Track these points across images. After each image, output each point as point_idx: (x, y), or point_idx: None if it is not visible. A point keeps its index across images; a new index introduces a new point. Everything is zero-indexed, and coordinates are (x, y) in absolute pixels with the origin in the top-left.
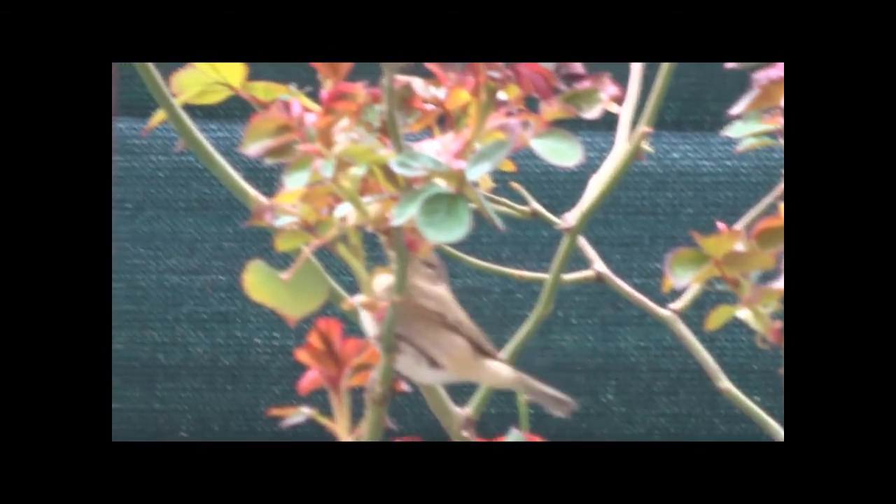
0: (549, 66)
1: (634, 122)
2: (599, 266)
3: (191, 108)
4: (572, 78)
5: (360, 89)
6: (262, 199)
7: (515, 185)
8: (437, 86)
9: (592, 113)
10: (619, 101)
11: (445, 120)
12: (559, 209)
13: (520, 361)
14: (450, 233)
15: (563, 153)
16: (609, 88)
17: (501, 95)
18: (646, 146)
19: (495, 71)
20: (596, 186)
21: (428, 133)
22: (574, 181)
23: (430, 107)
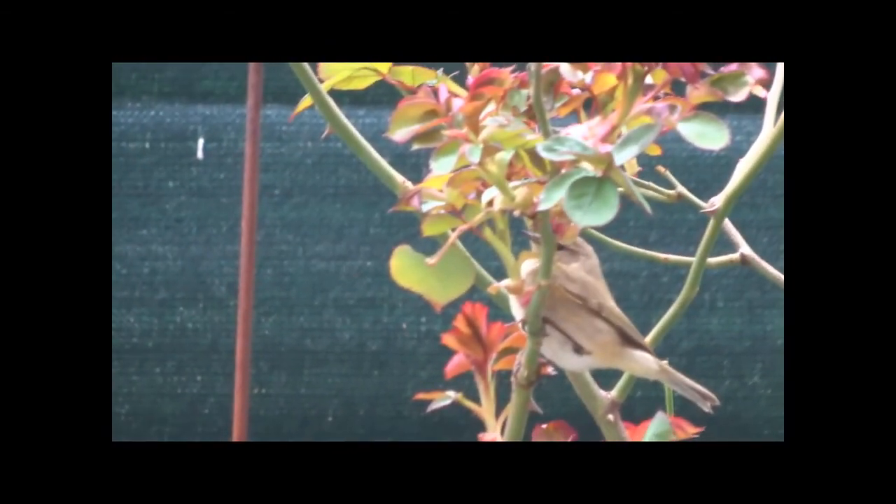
0: None
1: (781, 105)
2: (745, 249)
3: (338, 95)
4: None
5: (506, 74)
6: (409, 184)
7: (661, 169)
8: (584, 70)
9: (739, 96)
10: (765, 84)
11: (592, 104)
12: (705, 193)
13: (666, 344)
14: (598, 216)
15: (709, 136)
16: (755, 72)
17: (648, 80)
18: None
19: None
20: (742, 169)
21: (574, 118)
22: (721, 165)
23: (576, 91)
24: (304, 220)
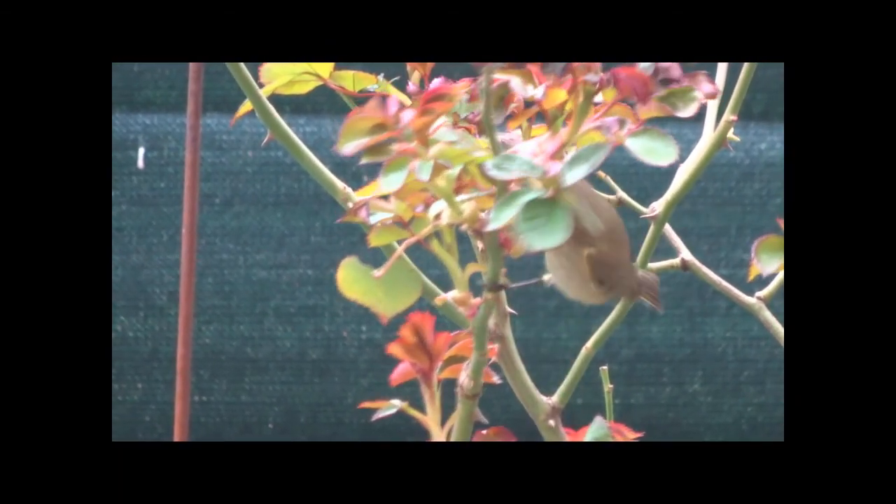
0: (646, 70)
1: (721, 113)
2: (686, 255)
3: (279, 103)
4: (669, 80)
5: (457, 89)
6: (350, 192)
7: (602, 175)
8: (535, 85)
9: (688, 112)
10: (714, 98)
11: (540, 118)
12: (647, 200)
13: (607, 352)
14: (551, 238)
15: (658, 152)
16: (705, 86)
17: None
18: (732, 135)
19: (593, 74)
20: (682, 175)
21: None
22: (662, 173)
23: (524, 103)
24: (244, 229)
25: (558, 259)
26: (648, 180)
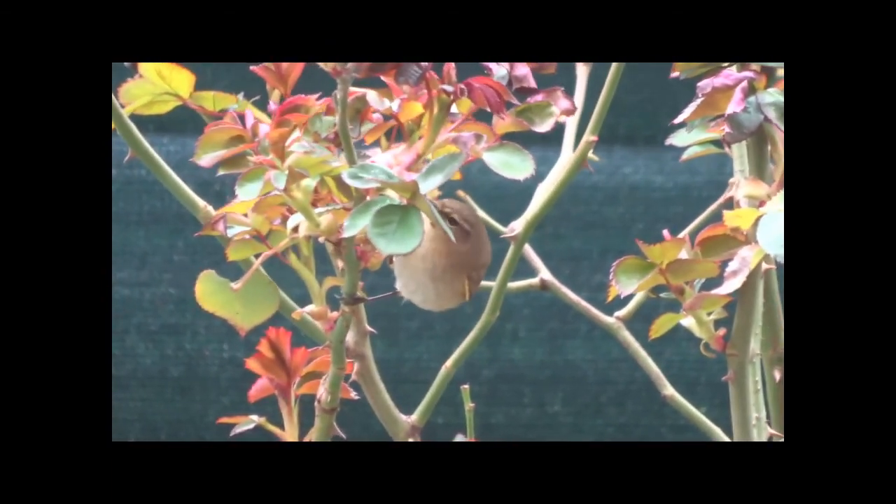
0: (500, 80)
1: (581, 133)
2: (545, 275)
3: (142, 122)
4: (525, 92)
5: (312, 101)
6: (210, 210)
7: (462, 194)
8: (391, 98)
9: (545, 126)
10: (570, 114)
11: (398, 131)
12: (510, 222)
13: (468, 372)
14: (402, 244)
15: (514, 166)
16: (562, 102)
17: (454, 109)
18: (592, 155)
19: (448, 84)
20: (542, 195)
21: (378, 143)
22: (527, 195)
23: (380, 117)
24: None
25: (436, 282)
26: (513, 202)
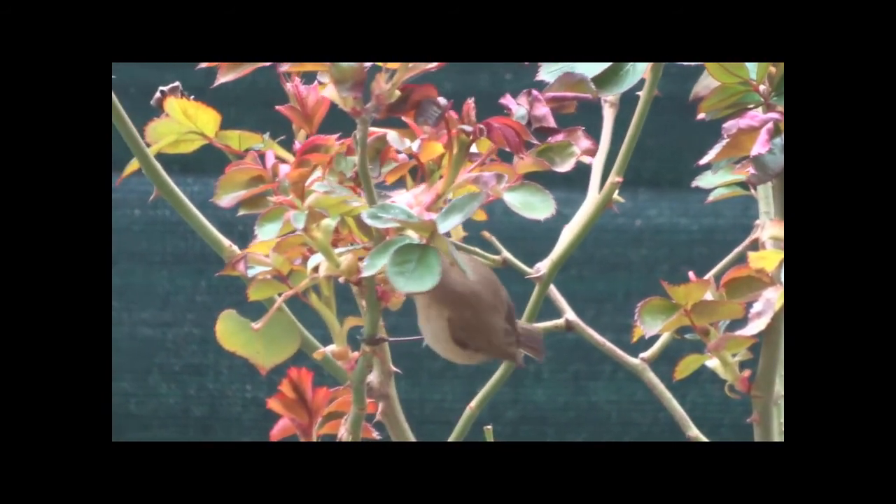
0: (520, 120)
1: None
2: (570, 315)
3: (167, 162)
4: (545, 132)
5: (332, 141)
6: (235, 249)
7: (487, 235)
8: (412, 138)
9: (565, 166)
10: (591, 153)
11: (419, 172)
12: (534, 263)
13: (491, 413)
14: (421, 283)
15: (535, 206)
16: (582, 142)
17: (474, 149)
18: (617, 196)
19: (467, 124)
20: (567, 236)
21: (402, 184)
22: (550, 236)
23: (403, 157)
24: (130, 287)
25: (427, 320)
26: (536, 243)
